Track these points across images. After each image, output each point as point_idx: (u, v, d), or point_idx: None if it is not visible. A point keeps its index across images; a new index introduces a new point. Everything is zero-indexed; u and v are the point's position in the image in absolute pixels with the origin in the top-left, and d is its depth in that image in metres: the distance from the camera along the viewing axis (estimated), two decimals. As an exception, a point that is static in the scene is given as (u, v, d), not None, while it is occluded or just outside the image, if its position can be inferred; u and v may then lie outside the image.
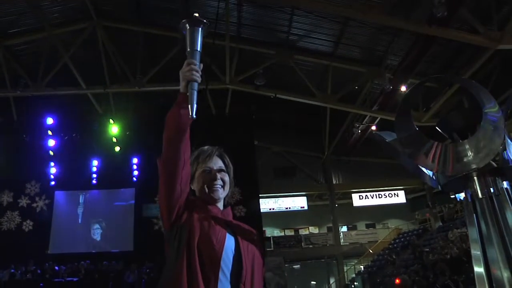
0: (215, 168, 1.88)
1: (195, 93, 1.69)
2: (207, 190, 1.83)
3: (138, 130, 15.78)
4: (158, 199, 1.77)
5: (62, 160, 15.68)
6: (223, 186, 1.88)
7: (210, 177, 1.85)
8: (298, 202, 23.73)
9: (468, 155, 2.22)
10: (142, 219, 15.56)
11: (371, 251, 22.39)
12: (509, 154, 2.19)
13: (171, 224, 1.72)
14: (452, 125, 2.40)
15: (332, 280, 23.20)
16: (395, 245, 21.18)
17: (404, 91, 14.46)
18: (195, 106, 1.67)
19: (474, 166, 2.22)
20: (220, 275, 1.63)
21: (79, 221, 15.47)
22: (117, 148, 15.92)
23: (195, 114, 1.67)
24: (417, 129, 2.38)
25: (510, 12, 11.83)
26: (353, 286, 20.93)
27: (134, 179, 16.05)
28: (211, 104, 17.00)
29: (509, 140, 2.21)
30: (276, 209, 22.93)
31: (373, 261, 21.11)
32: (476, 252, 2.17)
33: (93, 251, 15.11)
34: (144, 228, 15.26)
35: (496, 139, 2.13)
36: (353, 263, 23.47)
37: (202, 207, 1.79)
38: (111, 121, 15.86)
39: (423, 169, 2.51)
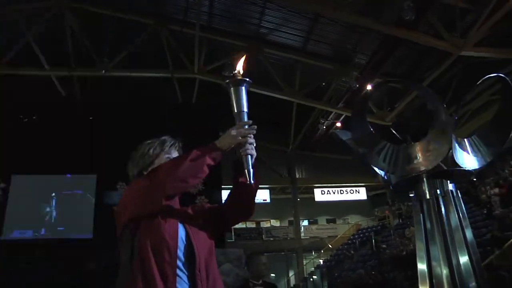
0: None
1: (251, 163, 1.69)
2: None
3: (102, 115, 15.45)
4: (131, 203, 1.72)
5: (20, 143, 15.16)
6: None
7: None
8: (261, 195, 23.83)
9: (418, 157, 2.32)
10: (103, 206, 15.24)
11: (330, 245, 22.82)
12: (456, 158, 2.29)
13: (126, 224, 1.71)
14: (406, 127, 2.49)
15: (291, 273, 23.52)
16: (354, 241, 21.64)
17: (370, 90, 14.73)
18: (251, 170, 1.67)
19: (423, 168, 2.32)
20: (177, 270, 1.63)
21: (39, 206, 15.01)
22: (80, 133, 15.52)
23: (253, 179, 1.67)
24: (371, 129, 2.46)
25: (472, 21, 12.22)
26: (311, 279, 21.26)
27: (96, 165, 15.71)
28: (178, 93, 16.85)
29: (456, 145, 2.31)
30: (239, 201, 22.98)
31: (332, 256, 21.53)
32: (420, 249, 2.27)
33: (51, 238, 14.74)
34: (104, 215, 14.88)
35: (444, 144, 2.23)
36: (312, 257, 23.87)
37: None
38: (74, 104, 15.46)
39: (376, 168, 2.59)
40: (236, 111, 1.73)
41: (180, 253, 1.67)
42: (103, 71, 14.59)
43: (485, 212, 12.70)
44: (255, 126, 1.72)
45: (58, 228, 14.99)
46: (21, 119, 15.18)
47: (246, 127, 1.69)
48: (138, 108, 15.00)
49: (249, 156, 1.69)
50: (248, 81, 1.73)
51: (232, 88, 1.73)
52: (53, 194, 15.33)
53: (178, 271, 1.63)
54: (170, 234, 1.66)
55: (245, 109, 1.72)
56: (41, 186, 15.46)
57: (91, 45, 14.48)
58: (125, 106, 15.16)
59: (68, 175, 15.72)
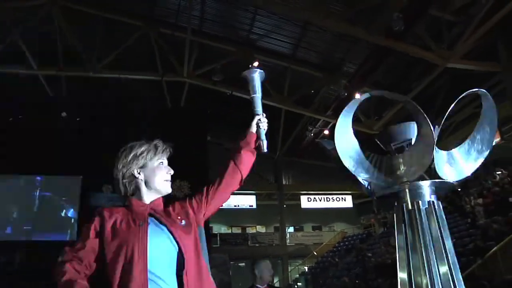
0: (167, 163, 1.90)
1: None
2: (163, 182, 1.84)
3: (90, 117, 15.33)
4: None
5: (4, 142, 14.96)
6: None
7: (167, 170, 1.87)
8: (247, 201, 23.86)
9: (401, 168, 2.38)
10: (88, 208, 15.07)
11: (315, 253, 22.87)
12: (438, 170, 2.35)
13: None
14: (390, 138, 2.55)
15: (276, 280, 23.48)
16: (339, 248, 21.72)
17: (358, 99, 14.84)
18: (266, 141, 2.04)
19: (405, 179, 2.37)
20: (152, 278, 1.61)
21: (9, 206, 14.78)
22: (67, 134, 15.38)
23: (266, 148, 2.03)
24: (355, 140, 2.50)
25: (459, 34, 12.44)
26: (296, 286, 21.31)
27: (82, 166, 15.55)
28: (167, 96, 16.82)
29: (438, 157, 2.37)
30: (225, 206, 22.46)
31: (317, 263, 21.58)
32: (401, 258, 2.33)
33: (32, 240, 14.51)
34: (89, 217, 14.70)
35: (427, 156, 2.28)
36: (297, 264, 23.89)
37: (123, 213, 1.78)
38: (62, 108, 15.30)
39: (359, 179, 2.64)
40: (252, 95, 2.09)
41: (159, 261, 1.65)
42: (92, 72, 14.52)
43: (469, 222, 12.85)
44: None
45: (39, 231, 14.73)
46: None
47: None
48: (126, 111, 14.92)
49: (263, 130, 2.03)
50: (261, 71, 2.10)
51: (248, 76, 2.09)
52: (32, 194, 15.09)
53: (156, 280, 1.63)
54: (140, 248, 1.64)
55: (259, 94, 2.09)
56: (21, 186, 15.27)
57: (80, 45, 14.40)
58: (113, 108, 15.06)
59: (53, 176, 15.47)
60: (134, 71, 15.57)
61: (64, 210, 15.06)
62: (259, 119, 2.04)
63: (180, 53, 14.72)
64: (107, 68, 14.83)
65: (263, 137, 2.01)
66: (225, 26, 15.23)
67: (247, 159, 1.98)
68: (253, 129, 2.03)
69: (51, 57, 14.57)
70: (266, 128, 2.03)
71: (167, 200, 1.93)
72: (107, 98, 16.32)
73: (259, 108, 2.06)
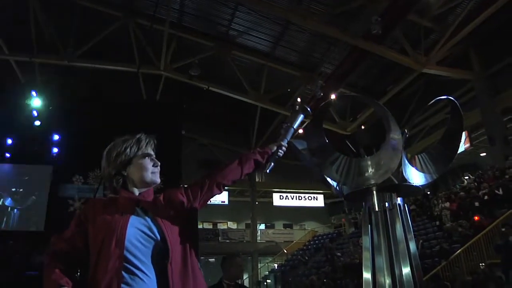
0: (153, 155, 1.89)
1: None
2: (150, 175, 1.83)
3: (62, 106, 15.00)
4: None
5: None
6: None
7: (153, 163, 1.85)
8: (219, 196, 23.77)
9: (369, 171, 2.42)
10: (57, 199, 14.76)
11: (285, 251, 23.00)
12: (405, 174, 2.40)
13: None
14: (360, 141, 2.59)
15: (245, 276, 23.54)
16: (309, 247, 21.89)
17: (334, 99, 15.01)
18: (273, 165, 2.16)
19: (373, 182, 2.42)
20: (130, 267, 1.61)
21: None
22: (37, 123, 15.02)
23: (269, 171, 2.17)
24: (326, 140, 2.54)
25: (435, 41, 12.70)
26: (265, 283, 21.37)
27: (53, 156, 15.21)
28: (143, 89, 16.62)
29: (406, 161, 2.42)
30: (197, 201, 22.77)
31: (287, 261, 21.69)
32: (366, 259, 2.37)
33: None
34: (58, 208, 14.38)
35: (395, 159, 2.33)
36: (267, 261, 24.00)
37: (111, 204, 1.77)
38: (33, 93, 14.95)
39: (328, 179, 2.68)
40: (288, 124, 2.27)
41: (139, 251, 1.65)
42: (67, 60, 14.22)
43: (437, 224, 13.12)
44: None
45: (5, 220, 14.34)
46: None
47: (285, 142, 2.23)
48: (100, 101, 14.68)
49: (278, 157, 2.17)
50: (309, 112, 2.29)
51: (297, 109, 2.28)
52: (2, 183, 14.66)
53: (137, 271, 1.62)
54: (118, 237, 1.64)
55: (295, 126, 2.27)
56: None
57: (56, 33, 14.09)
58: (86, 99, 14.78)
59: (23, 165, 15.05)
60: (110, 61, 15.32)
61: (2, 199, 14.64)
62: (281, 147, 2.18)
63: (158, 45, 14.58)
64: (82, 57, 14.56)
65: (274, 161, 2.15)
66: (205, 20, 15.14)
67: (251, 166, 2.09)
68: (272, 149, 2.16)
69: (25, 43, 14.22)
70: (281, 156, 2.19)
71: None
72: (81, 88, 16.03)
73: (288, 138, 2.24)
